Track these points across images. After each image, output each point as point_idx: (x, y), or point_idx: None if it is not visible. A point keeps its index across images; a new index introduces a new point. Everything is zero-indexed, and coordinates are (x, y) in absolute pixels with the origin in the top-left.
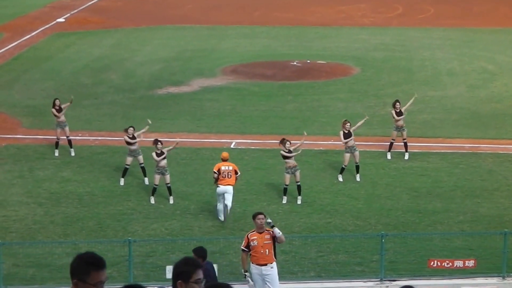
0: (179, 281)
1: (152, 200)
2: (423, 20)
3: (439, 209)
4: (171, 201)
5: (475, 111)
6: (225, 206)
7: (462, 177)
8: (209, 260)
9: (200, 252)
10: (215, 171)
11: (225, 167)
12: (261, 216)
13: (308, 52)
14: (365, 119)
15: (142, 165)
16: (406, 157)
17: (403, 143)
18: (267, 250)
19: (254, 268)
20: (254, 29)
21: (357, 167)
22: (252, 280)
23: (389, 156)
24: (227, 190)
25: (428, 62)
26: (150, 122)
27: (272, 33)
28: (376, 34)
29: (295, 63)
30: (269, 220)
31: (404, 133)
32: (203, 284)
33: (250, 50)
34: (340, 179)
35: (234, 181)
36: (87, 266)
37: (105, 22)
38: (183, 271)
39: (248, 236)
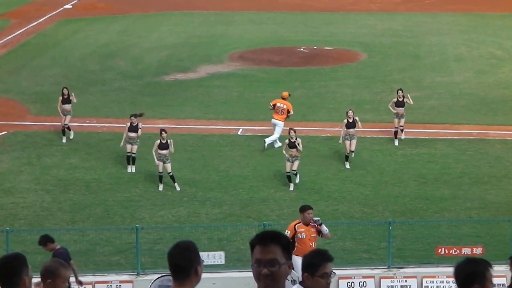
0: (306, 274)
1: (161, 187)
2: (431, 5)
3: (446, 196)
4: (178, 188)
5: (483, 97)
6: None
7: (470, 164)
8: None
9: (47, 238)
10: (271, 105)
11: (280, 104)
12: (310, 211)
13: (315, 38)
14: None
15: (134, 155)
16: (397, 143)
17: (400, 129)
18: (313, 242)
19: (299, 259)
20: (261, 15)
21: (350, 154)
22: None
23: (396, 143)
24: (276, 123)
25: (436, 47)
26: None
27: (279, 19)
28: (383, 20)
29: (302, 49)
30: (317, 218)
31: (403, 120)
32: (332, 277)
33: (257, 36)
34: (347, 166)
35: (283, 118)
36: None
37: (112, 8)
38: (310, 263)
39: (295, 227)
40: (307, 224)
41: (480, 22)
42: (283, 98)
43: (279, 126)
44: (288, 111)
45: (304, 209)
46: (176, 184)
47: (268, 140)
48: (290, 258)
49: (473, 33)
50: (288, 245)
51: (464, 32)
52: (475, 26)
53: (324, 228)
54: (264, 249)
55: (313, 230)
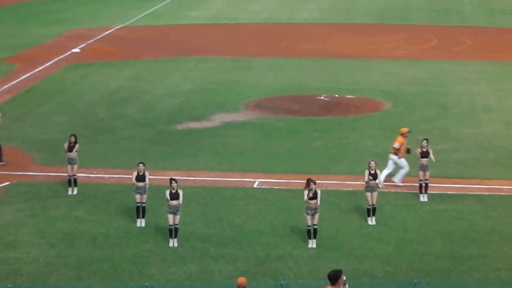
0: None
1: (171, 243)
2: (459, 52)
3: (474, 255)
4: (176, 244)
5: None
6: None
7: (500, 221)
8: None
9: None
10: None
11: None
12: (342, 275)
13: (336, 85)
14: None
15: (144, 205)
16: (423, 199)
17: (424, 184)
18: None
19: None
20: (280, 61)
21: (374, 209)
22: None
23: (421, 198)
24: (389, 157)
25: (464, 97)
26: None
27: (299, 65)
28: (408, 67)
29: (322, 97)
30: (344, 277)
31: (427, 173)
32: None
33: (275, 83)
34: (370, 222)
35: (393, 153)
36: None
37: (123, 53)
38: None
39: None
40: None
41: (510, 71)
42: (401, 134)
43: (390, 159)
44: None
45: (338, 276)
46: (175, 239)
47: (383, 176)
48: None
49: (503, 83)
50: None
51: (493, 81)
52: (505, 75)
53: (347, 286)
54: None
55: None
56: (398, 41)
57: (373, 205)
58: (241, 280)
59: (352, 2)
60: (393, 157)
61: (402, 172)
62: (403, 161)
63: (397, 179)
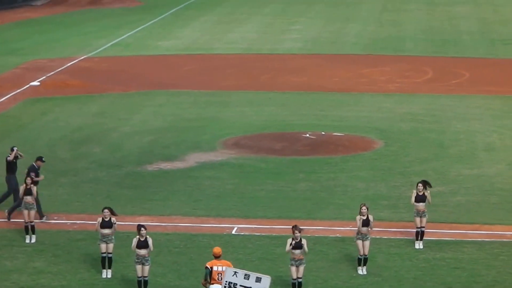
0: None
1: None
2: (457, 86)
3: None
4: None
5: None
6: None
7: (503, 270)
8: None
9: None
10: None
11: None
12: None
13: (323, 122)
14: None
15: (110, 255)
16: (418, 246)
17: (420, 230)
18: None
19: None
20: (260, 96)
21: (365, 259)
22: None
23: (417, 245)
24: None
25: (463, 135)
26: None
27: (281, 100)
28: (402, 102)
29: (307, 135)
30: None
31: (424, 219)
32: None
33: (256, 120)
34: (360, 272)
35: None
36: None
37: (87, 86)
38: None
39: None
40: None
41: None
42: None
43: None
44: None
45: None
46: None
47: None
48: None
49: (506, 119)
50: None
51: (496, 117)
52: (508, 111)
53: None
54: None
55: None
56: (391, 73)
57: (365, 255)
58: (217, 249)
59: (340, 31)
60: None
61: None
62: None
63: None
